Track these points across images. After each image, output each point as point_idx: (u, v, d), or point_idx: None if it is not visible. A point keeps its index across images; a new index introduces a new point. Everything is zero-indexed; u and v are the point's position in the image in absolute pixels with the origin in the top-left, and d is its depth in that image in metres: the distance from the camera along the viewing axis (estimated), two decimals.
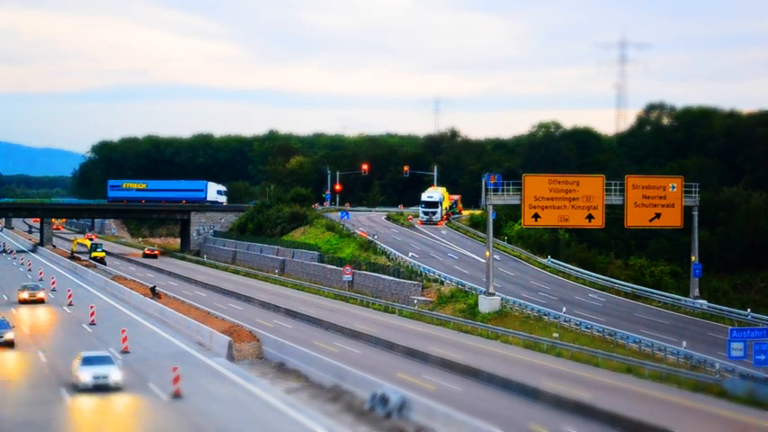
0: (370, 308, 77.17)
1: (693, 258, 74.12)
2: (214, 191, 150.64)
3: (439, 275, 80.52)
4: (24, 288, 72.80)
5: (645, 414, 36.85)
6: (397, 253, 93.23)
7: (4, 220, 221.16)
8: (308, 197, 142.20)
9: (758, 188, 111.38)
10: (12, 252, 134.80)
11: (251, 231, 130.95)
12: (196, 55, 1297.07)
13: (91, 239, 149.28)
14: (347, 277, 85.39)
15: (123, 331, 50.54)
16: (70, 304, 69.20)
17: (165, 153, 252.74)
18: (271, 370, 48.13)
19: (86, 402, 36.36)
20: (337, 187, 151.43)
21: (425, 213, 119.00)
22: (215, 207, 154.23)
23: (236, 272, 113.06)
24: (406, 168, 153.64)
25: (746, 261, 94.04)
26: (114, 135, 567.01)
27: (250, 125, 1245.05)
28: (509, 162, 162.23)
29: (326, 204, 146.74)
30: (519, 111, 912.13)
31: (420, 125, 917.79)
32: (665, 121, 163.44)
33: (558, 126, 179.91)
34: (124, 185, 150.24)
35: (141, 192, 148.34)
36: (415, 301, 75.58)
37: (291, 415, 34.32)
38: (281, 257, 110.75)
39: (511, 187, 71.02)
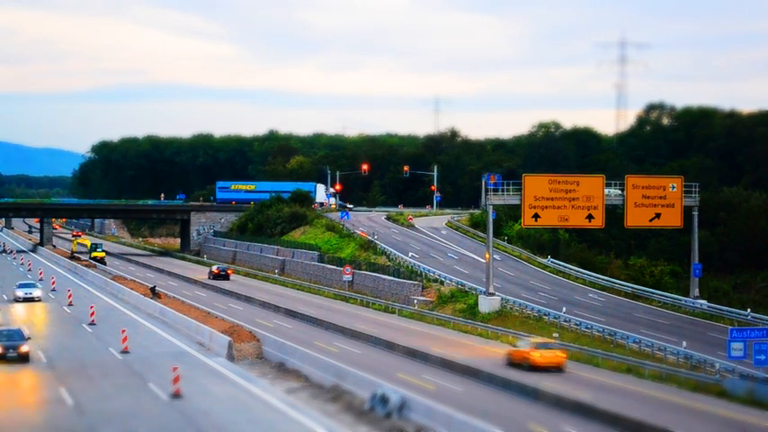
0: (370, 308, 77.16)
1: (693, 258, 74.16)
2: (323, 192, 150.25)
3: (439, 275, 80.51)
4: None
5: (645, 414, 36.86)
6: (397, 253, 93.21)
7: (3, 220, 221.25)
8: (309, 197, 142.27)
9: (758, 188, 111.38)
10: (12, 252, 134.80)
11: (251, 231, 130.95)
12: (196, 55, 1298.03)
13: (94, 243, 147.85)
14: (347, 277, 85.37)
15: (123, 331, 50.51)
16: (70, 304, 69.17)
17: (165, 153, 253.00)
18: (271, 370, 48.13)
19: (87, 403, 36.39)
20: (337, 187, 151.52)
21: None
22: (216, 207, 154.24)
23: (236, 272, 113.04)
24: (406, 168, 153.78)
25: (746, 261, 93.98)
26: (114, 135, 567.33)
27: (250, 125, 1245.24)
28: (509, 162, 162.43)
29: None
30: (519, 111, 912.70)
31: (420, 125, 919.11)
32: (665, 121, 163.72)
33: (558, 126, 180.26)
34: (233, 187, 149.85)
35: (250, 193, 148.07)
36: (415, 301, 75.57)
37: (291, 415, 34.31)
38: (281, 257, 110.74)
39: (511, 187, 71.02)
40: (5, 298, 73.29)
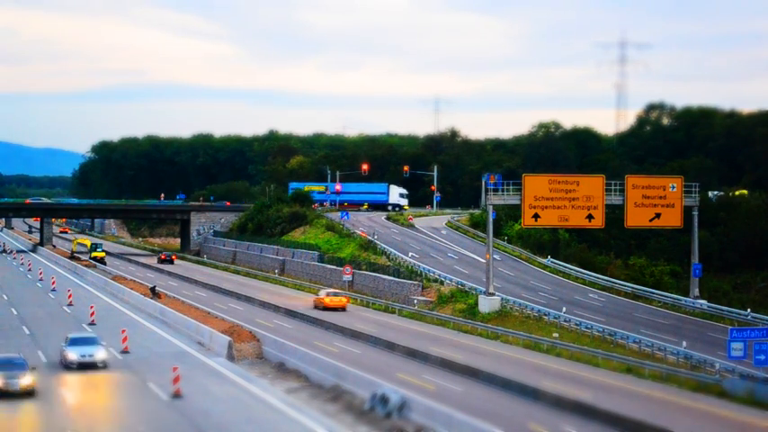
0: (370, 308, 77.17)
1: (692, 256, 74.17)
2: (396, 193, 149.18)
3: (439, 275, 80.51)
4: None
5: (645, 414, 36.86)
6: (397, 253, 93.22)
7: (3, 220, 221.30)
8: (308, 197, 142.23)
9: (758, 188, 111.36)
10: (12, 252, 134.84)
11: (251, 231, 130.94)
12: (195, 55, 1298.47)
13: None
14: (347, 277, 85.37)
15: (123, 331, 50.52)
16: (70, 304, 69.14)
17: (165, 153, 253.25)
18: (271, 370, 48.14)
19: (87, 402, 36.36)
20: (337, 187, 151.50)
21: None
22: (215, 207, 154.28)
23: (237, 272, 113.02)
24: (406, 168, 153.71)
25: (746, 261, 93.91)
26: (114, 135, 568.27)
27: (250, 125, 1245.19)
28: (509, 162, 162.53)
29: (327, 204, 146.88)
30: (519, 111, 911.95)
31: (420, 125, 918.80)
32: (665, 121, 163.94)
33: (558, 126, 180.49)
34: (306, 188, 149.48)
35: (323, 194, 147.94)
36: (415, 301, 75.58)
37: (291, 415, 34.33)
38: (281, 257, 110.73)
39: (511, 187, 71.03)
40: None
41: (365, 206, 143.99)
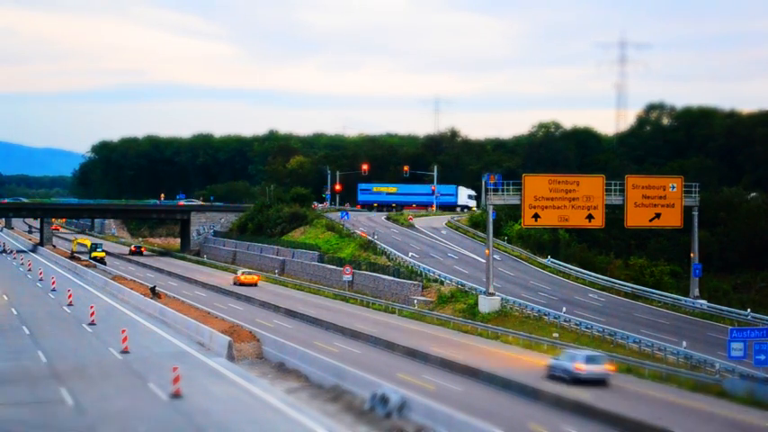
0: (370, 308, 77.16)
1: (693, 256, 74.13)
2: (465, 195, 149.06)
3: (439, 275, 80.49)
4: None
5: (645, 414, 36.86)
6: (397, 253, 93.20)
7: (3, 220, 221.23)
8: (308, 197, 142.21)
9: (758, 188, 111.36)
10: (12, 252, 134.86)
11: (251, 231, 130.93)
12: (195, 55, 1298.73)
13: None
14: (347, 277, 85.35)
15: (123, 331, 50.48)
16: (70, 304, 69.14)
17: (165, 153, 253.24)
18: (271, 370, 48.14)
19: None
20: (337, 187, 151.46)
21: None
22: (215, 207, 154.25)
23: (236, 272, 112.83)
24: (406, 168, 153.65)
25: (746, 261, 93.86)
26: (114, 135, 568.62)
27: (250, 125, 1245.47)
28: (509, 162, 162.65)
29: (326, 204, 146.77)
30: (519, 111, 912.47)
31: (420, 125, 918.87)
32: (665, 121, 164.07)
33: (558, 126, 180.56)
34: (374, 189, 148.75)
35: (392, 195, 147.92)
36: (415, 301, 75.57)
37: (291, 415, 34.31)
38: (280, 257, 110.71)
39: (511, 187, 71.01)
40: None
41: (433, 207, 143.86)
